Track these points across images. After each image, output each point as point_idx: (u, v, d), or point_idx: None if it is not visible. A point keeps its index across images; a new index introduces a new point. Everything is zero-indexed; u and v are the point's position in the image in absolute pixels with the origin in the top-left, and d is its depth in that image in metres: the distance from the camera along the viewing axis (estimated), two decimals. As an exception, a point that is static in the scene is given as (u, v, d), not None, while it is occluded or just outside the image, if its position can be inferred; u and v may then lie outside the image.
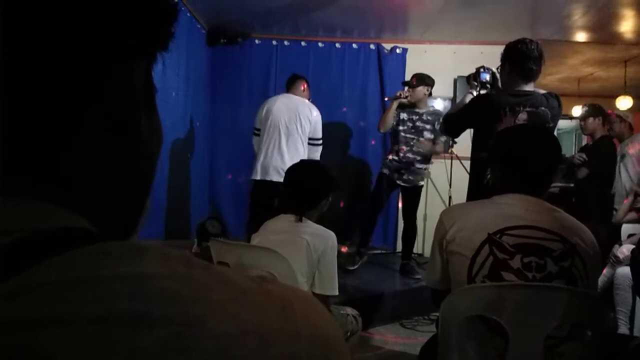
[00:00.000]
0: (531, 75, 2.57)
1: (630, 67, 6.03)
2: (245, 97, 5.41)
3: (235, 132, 5.38)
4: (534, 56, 2.53)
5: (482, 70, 2.93)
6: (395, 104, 4.20)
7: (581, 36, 5.17)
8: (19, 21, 0.32)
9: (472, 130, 2.95)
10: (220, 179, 5.51)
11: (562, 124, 9.10)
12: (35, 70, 0.33)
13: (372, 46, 5.50)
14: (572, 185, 4.73)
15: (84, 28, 0.34)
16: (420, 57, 5.36)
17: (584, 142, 8.47)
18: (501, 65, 2.69)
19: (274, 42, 5.50)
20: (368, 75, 5.47)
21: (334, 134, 5.40)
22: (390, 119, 4.21)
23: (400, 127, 4.24)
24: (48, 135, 0.34)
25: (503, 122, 2.54)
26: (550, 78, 6.94)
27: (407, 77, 5.23)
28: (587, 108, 4.46)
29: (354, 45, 5.50)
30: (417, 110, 4.22)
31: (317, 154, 4.11)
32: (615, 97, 6.27)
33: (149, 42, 0.39)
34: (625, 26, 4.82)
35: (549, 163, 1.58)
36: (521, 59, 2.54)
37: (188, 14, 4.62)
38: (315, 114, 4.07)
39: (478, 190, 2.61)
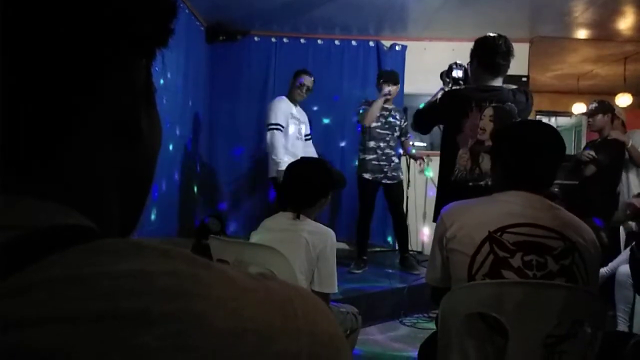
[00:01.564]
0: (498, 70, 2.56)
1: (630, 64, 6.03)
2: (244, 94, 5.41)
3: (235, 129, 5.38)
4: (502, 51, 2.52)
5: (454, 66, 2.94)
6: (382, 100, 4.22)
7: (581, 33, 5.17)
8: (18, 21, 0.32)
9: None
10: (219, 176, 5.51)
11: (562, 121, 9.08)
12: (34, 69, 0.33)
13: (371, 43, 5.50)
14: (575, 183, 4.68)
15: (83, 26, 0.34)
16: (420, 54, 5.36)
17: (583, 140, 8.49)
18: (470, 61, 2.68)
19: (273, 40, 5.49)
20: (367, 72, 5.47)
21: (333, 131, 5.41)
22: (377, 114, 4.23)
23: (374, 124, 4.26)
24: (48, 134, 0.34)
25: (469, 118, 2.54)
26: (549, 75, 6.95)
27: (407, 75, 5.25)
28: (596, 104, 4.34)
29: (353, 43, 5.50)
30: (386, 106, 4.28)
31: (268, 137, 4.15)
32: (614, 94, 6.26)
33: (149, 39, 0.39)
34: (625, 23, 4.82)
35: (552, 160, 1.57)
36: (489, 54, 2.54)
37: (187, 11, 4.62)
38: (270, 103, 4.23)
39: (447, 186, 2.61)
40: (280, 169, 4.03)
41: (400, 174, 4.41)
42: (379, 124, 4.26)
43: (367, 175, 4.26)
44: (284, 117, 4.15)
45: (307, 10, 4.79)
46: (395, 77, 4.33)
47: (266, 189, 5.17)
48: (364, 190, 4.33)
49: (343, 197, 5.27)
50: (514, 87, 2.68)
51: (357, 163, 4.46)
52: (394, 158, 4.33)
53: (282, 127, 4.13)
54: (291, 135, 4.21)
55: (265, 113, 4.34)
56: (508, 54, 2.53)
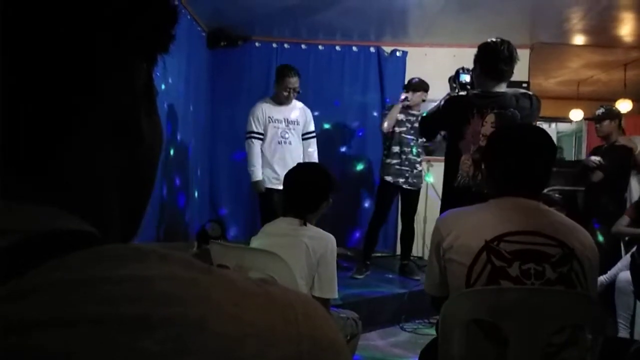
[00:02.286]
0: (502, 76, 2.54)
1: (630, 70, 6.04)
2: (245, 99, 5.40)
3: (236, 134, 5.37)
4: (504, 57, 2.50)
5: (461, 71, 2.92)
6: (399, 107, 4.23)
7: (581, 39, 5.18)
8: (20, 22, 0.32)
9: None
10: (220, 182, 5.51)
11: (562, 127, 9.08)
12: (34, 69, 0.33)
13: (372, 49, 5.51)
14: (576, 189, 4.65)
15: (85, 29, 0.34)
16: (420, 60, 5.37)
17: (584, 146, 8.48)
18: (473, 66, 2.67)
19: (274, 45, 5.50)
20: (368, 78, 5.48)
21: (333, 136, 5.41)
22: (394, 121, 4.25)
23: (398, 129, 4.27)
24: (48, 134, 0.34)
25: (471, 124, 2.53)
26: (550, 81, 6.95)
27: (407, 81, 5.26)
28: (603, 110, 4.32)
29: (354, 48, 5.50)
30: (412, 112, 4.28)
31: (245, 147, 4.12)
32: (614, 100, 6.27)
33: (150, 44, 0.39)
34: (625, 29, 4.83)
35: (549, 161, 1.56)
36: (491, 59, 2.52)
37: (188, 17, 4.62)
38: None
39: (450, 192, 2.60)
40: (253, 180, 3.99)
41: (421, 181, 4.43)
42: (405, 128, 4.27)
43: (388, 178, 4.27)
44: (260, 123, 4.04)
45: (308, 15, 4.80)
46: (415, 85, 4.30)
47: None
48: (383, 192, 4.34)
49: (347, 205, 5.26)
50: (522, 91, 2.65)
51: (379, 167, 4.47)
52: (417, 165, 4.34)
53: (259, 134, 4.03)
54: (270, 140, 4.03)
55: None
56: (511, 59, 2.52)
